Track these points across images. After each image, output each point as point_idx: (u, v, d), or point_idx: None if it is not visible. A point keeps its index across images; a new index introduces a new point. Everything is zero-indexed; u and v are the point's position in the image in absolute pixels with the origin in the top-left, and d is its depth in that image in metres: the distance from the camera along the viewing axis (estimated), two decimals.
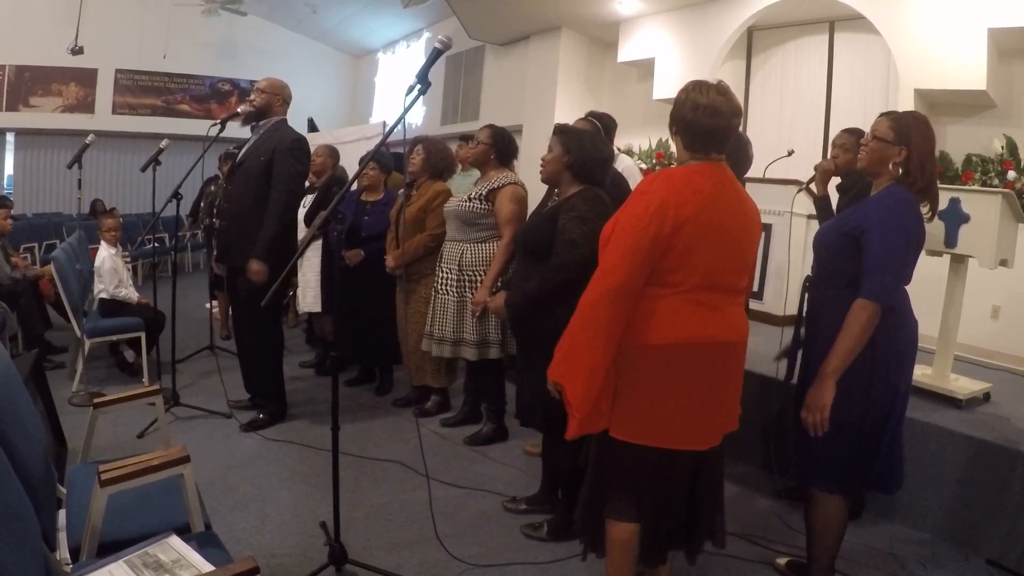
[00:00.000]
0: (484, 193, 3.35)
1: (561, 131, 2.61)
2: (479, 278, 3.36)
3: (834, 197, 3.14)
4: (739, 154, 2.76)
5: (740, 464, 3.31)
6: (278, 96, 3.58)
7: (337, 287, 4.10)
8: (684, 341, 1.77)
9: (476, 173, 3.84)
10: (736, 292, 1.89)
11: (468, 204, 3.36)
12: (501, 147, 3.43)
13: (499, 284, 3.21)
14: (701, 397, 1.83)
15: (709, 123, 1.79)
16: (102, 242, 4.51)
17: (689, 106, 1.79)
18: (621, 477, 1.90)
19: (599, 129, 3.07)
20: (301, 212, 4.69)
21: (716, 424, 1.89)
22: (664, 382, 1.79)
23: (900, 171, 2.04)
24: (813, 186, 3.10)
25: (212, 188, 5.86)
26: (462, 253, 3.41)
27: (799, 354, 2.31)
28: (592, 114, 3.21)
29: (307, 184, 4.87)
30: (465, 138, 4.75)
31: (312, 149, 4.77)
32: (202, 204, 6.24)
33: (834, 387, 1.95)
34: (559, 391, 1.84)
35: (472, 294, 3.36)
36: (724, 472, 2.05)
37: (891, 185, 2.04)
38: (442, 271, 3.48)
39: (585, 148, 2.52)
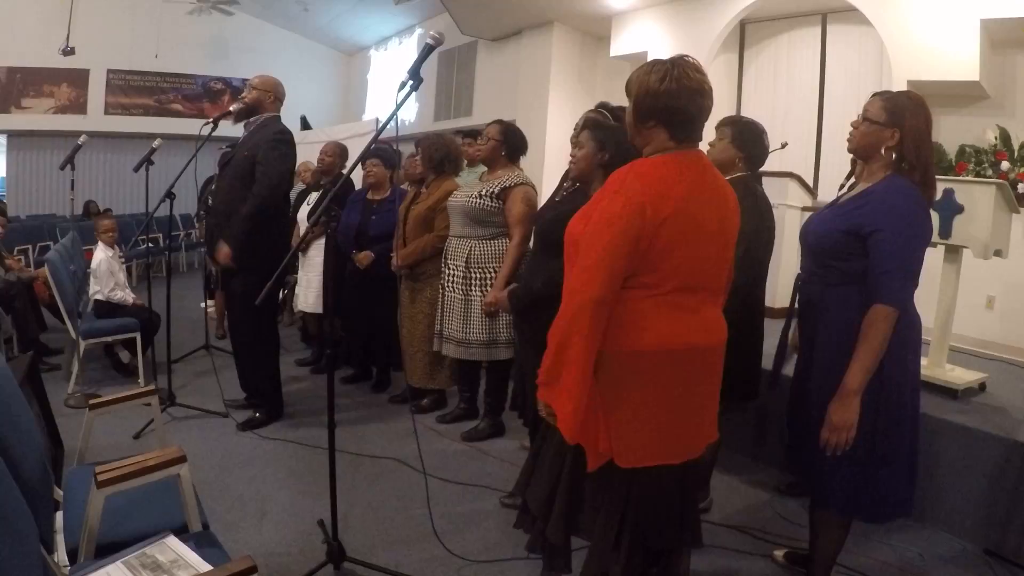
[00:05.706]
0: (496, 191, 3.29)
1: (595, 126, 2.49)
2: (487, 275, 3.33)
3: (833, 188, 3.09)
4: (757, 147, 2.61)
5: (737, 457, 3.32)
6: (269, 93, 3.56)
7: (347, 288, 4.11)
8: (665, 348, 1.63)
9: (480, 168, 3.80)
10: (715, 292, 1.75)
11: (478, 201, 3.31)
12: (511, 143, 3.38)
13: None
14: (685, 406, 1.69)
15: (701, 105, 1.63)
16: (99, 243, 4.48)
17: (676, 91, 1.60)
18: (603, 497, 1.75)
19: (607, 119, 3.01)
20: (305, 210, 4.69)
21: (701, 434, 1.77)
22: (647, 391, 1.64)
23: (893, 156, 1.91)
24: None
25: (212, 187, 5.85)
26: (470, 249, 3.37)
27: (784, 359, 2.24)
28: (603, 106, 3.06)
29: (314, 182, 4.86)
30: (470, 135, 4.71)
31: (315, 147, 4.75)
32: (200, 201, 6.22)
33: (859, 404, 1.82)
34: (551, 414, 1.69)
35: (479, 291, 3.33)
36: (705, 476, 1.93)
37: (891, 176, 1.90)
38: (448, 268, 3.44)
39: (621, 144, 2.35)
